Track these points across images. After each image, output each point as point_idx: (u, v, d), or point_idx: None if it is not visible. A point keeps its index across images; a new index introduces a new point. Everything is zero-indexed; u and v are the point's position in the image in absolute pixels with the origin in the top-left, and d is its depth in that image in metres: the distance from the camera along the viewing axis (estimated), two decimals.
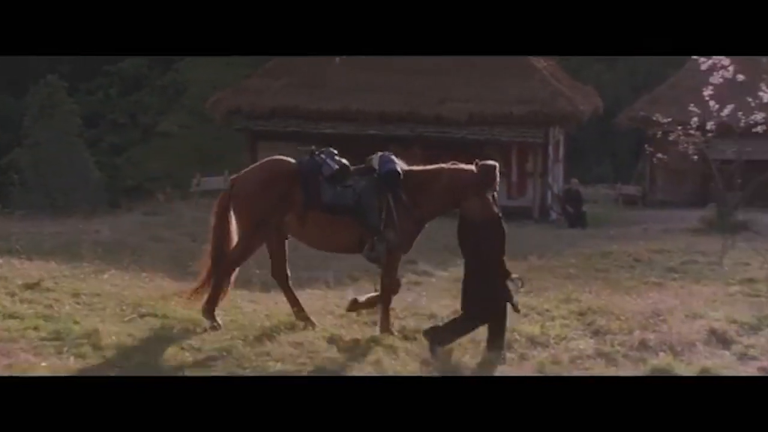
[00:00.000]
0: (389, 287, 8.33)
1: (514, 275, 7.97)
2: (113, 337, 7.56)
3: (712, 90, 18.74)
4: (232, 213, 8.29)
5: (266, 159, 8.65)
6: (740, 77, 18.28)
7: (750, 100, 19.12)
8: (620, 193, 31.83)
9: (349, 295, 9.54)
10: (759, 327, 9.34)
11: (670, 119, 21.74)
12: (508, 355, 7.83)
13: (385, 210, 8.01)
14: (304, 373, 6.97)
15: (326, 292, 10.62)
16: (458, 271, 8.92)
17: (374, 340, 8.05)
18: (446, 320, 8.28)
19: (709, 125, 19.48)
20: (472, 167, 8.04)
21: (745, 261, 15.00)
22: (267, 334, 7.92)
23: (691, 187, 29.68)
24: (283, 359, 7.30)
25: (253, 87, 26.98)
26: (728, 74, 18.50)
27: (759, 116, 19.16)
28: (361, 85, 25.78)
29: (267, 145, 26.82)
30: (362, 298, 8.62)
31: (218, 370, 6.95)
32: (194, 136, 40.08)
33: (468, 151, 24.96)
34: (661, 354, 7.85)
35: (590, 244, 17.17)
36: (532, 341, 8.35)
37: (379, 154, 8.30)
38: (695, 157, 20.34)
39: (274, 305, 9.22)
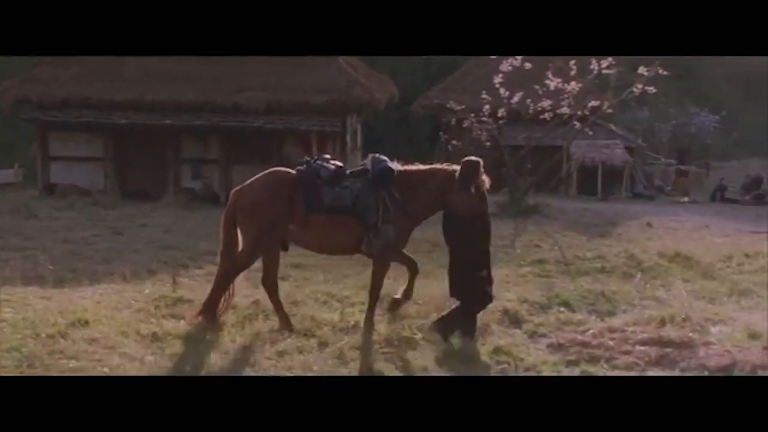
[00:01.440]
0: (380, 281, 8.56)
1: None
2: None
3: (502, 78, 19.34)
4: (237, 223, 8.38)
5: (267, 170, 8.62)
6: (528, 65, 18.96)
7: (538, 87, 19.88)
8: None
9: (147, 288, 9.44)
10: (549, 305, 9.73)
11: (463, 107, 22.33)
12: (309, 342, 7.83)
13: (381, 207, 8.23)
14: (99, 371, 6.64)
15: (123, 286, 10.16)
16: None
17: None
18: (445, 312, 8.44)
19: (500, 112, 20.13)
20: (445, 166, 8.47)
21: (536, 243, 15.61)
22: (60, 331, 7.49)
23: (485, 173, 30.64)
24: (77, 356, 6.94)
25: (42, 76, 25.47)
26: (517, 63, 19.19)
27: (546, 103, 19.99)
28: (156, 73, 24.86)
29: (58, 135, 25.85)
30: (399, 295, 8.82)
31: (9, 370, 6.53)
32: None
33: (266, 140, 24.88)
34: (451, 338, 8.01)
35: None
36: (333, 328, 8.32)
37: (372, 155, 8.62)
38: (488, 143, 20.98)
39: (68, 302, 8.74)
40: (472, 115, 21.33)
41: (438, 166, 8.68)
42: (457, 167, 8.33)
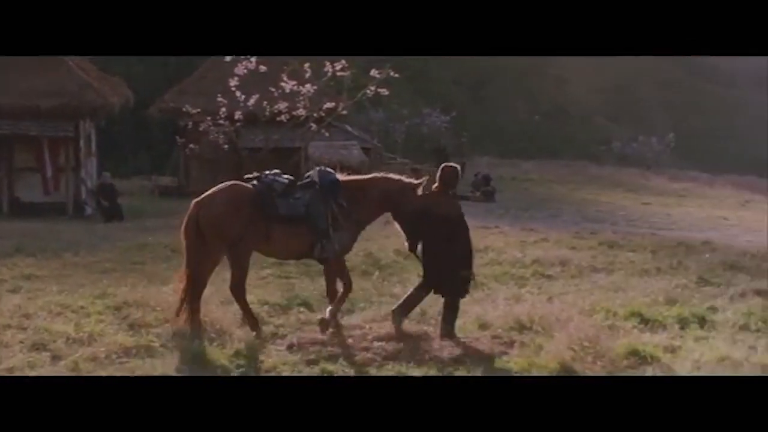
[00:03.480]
0: (334, 281, 9.24)
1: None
2: None
3: (237, 81, 19.29)
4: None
5: (225, 184, 8.97)
6: (263, 68, 19.03)
7: (273, 90, 19.99)
8: (156, 184, 31.78)
9: None
10: (289, 306, 9.83)
11: (199, 110, 22.05)
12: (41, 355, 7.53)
13: (330, 216, 8.85)
14: None
15: None
16: None
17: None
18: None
19: (237, 115, 20.08)
20: (401, 177, 9.41)
21: None
22: None
23: (225, 176, 30.41)
24: None
25: None
26: (251, 65, 19.21)
27: (282, 105, 20.14)
28: None
29: None
30: (328, 315, 8.86)
31: None
32: None
33: None
34: (196, 341, 7.93)
35: (126, 237, 16.74)
36: (68, 339, 8.00)
37: (317, 168, 9.31)
38: (226, 146, 20.88)
39: None
40: (209, 118, 21.13)
41: (378, 175, 9.58)
42: (392, 176, 9.34)
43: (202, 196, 8.77)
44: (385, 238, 17.00)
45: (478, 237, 18.13)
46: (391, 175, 9.46)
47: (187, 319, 8.46)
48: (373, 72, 19.90)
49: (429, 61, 64.58)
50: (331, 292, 9.21)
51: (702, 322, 9.40)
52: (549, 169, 48.51)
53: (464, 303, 10.03)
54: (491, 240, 17.21)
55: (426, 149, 47.17)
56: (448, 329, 8.65)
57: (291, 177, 9.08)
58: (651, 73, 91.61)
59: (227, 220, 8.55)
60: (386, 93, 19.70)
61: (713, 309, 10.02)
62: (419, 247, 9.06)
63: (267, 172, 9.10)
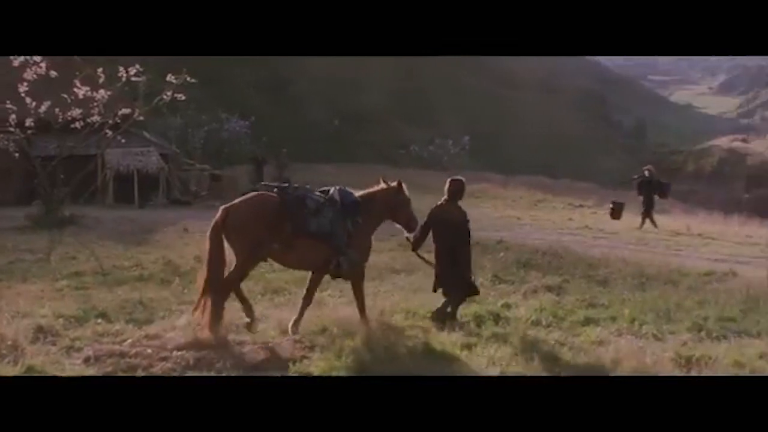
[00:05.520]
0: (361, 290, 9.68)
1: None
2: None
3: (27, 86, 18.60)
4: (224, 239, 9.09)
5: (253, 193, 9.48)
6: (53, 74, 18.46)
7: (66, 96, 19.38)
8: None
9: None
10: (86, 318, 9.66)
11: None
12: None
13: (346, 233, 9.44)
14: None
15: None
16: None
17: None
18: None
19: (28, 122, 19.31)
20: (384, 185, 10.00)
21: (72, 255, 15.31)
22: None
23: (17, 185, 29.23)
24: None
25: None
26: (41, 70, 18.57)
27: (76, 112, 19.56)
28: None
29: None
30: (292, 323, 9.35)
31: None
32: None
33: None
34: None
35: None
36: None
37: (337, 188, 9.74)
38: (17, 154, 20.04)
39: None
40: None
41: (373, 189, 10.07)
42: (383, 186, 10.00)
43: (230, 203, 9.27)
44: (184, 246, 16.97)
45: None
46: (382, 187, 10.05)
47: (209, 324, 8.82)
48: (170, 77, 19.67)
49: (227, 64, 64.25)
50: (360, 307, 9.59)
51: (497, 318, 10.00)
52: (349, 173, 49.21)
53: (265, 308, 10.26)
54: None
55: (225, 154, 46.90)
56: (440, 315, 9.86)
57: (322, 195, 9.66)
58: (445, 78, 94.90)
59: (251, 225, 9.08)
60: (183, 98, 19.51)
61: (507, 306, 10.67)
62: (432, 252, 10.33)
63: (296, 185, 9.75)
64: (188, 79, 19.19)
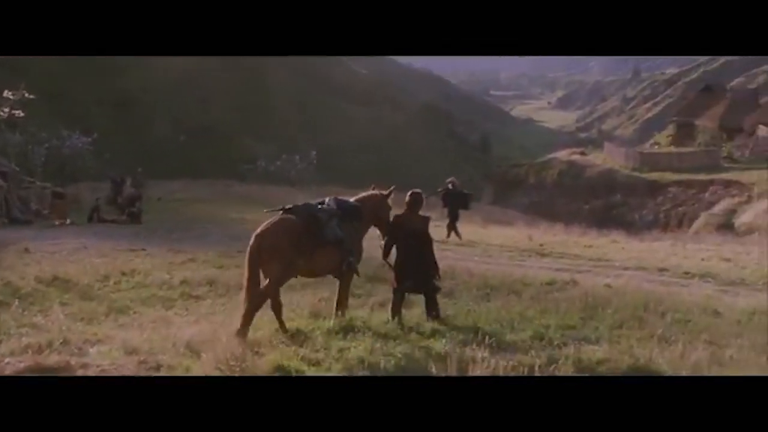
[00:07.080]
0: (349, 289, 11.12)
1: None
2: None
3: None
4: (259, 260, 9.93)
5: (279, 217, 10.27)
6: None
7: None
8: None
9: None
10: None
11: None
12: None
13: (349, 236, 10.61)
14: None
15: None
16: None
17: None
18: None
19: None
20: (375, 192, 11.33)
21: None
22: None
23: None
24: None
25: None
26: None
27: None
28: None
29: None
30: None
31: None
32: None
33: None
34: None
35: None
36: None
37: (333, 197, 10.80)
38: None
39: None
40: None
41: (363, 195, 11.28)
42: (374, 192, 11.25)
43: (259, 230, 10.03)
44: (25, 266, 16.40)
45: (124, 260, 18.01)
46: (372, 193, 11.30)
47: (240, 327, 9.69)
48: (7, 93, 19.06)
49: (69, 79, 62.38)
50: (342, 302, 10.78)
51: (345, 332, 10.08)
52: (195, 188, 48.74)
53: (110, 328, 10.04)
54: (137, 263, 17.20)
55: (67, 171, 45.48)
56: (434, 315, 10.88)
57: (325, 206, 10.54)
58: (289, 93, 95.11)
59: (286, 248, 9.94)
60: (22, 115, 18.94)
61: (354, 319, 10.78)
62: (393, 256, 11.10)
63: (298, 205, 10.56)
64: (26, 95, 18.64)
